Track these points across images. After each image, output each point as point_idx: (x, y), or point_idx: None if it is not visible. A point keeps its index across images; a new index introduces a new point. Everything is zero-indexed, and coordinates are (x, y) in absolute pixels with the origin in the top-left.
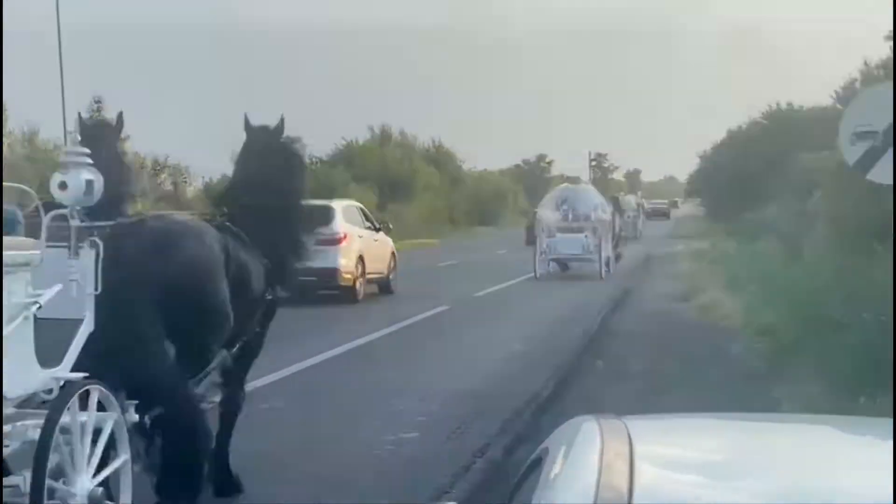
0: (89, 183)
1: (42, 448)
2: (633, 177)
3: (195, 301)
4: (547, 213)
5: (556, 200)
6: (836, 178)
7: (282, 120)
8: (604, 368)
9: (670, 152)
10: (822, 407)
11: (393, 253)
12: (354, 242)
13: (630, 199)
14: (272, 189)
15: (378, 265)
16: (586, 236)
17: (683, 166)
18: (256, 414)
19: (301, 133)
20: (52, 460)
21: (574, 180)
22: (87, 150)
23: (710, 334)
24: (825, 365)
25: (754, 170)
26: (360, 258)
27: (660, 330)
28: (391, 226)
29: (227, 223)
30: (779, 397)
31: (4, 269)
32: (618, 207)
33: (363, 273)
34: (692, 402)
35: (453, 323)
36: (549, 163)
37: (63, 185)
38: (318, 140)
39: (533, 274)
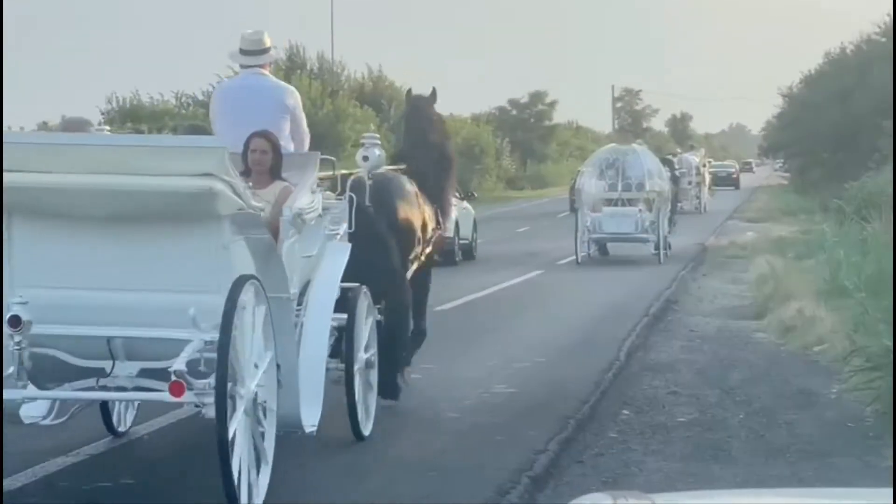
0: (379, 156)
1: (350, 326)
2: (679, 125)
3: (411, 231)
4: (590, 182)
5: (600, 165)
6: None
7: (434, 90)
8: (633, 420)
9: (737, 88)
10: None
11: (475, 220)
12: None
13: (690, 160)
14: (436, 151)
15: (465, 232)
16: (640, 211)
17: (757, 111)
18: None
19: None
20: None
21: (623, 138)
22: (377, 135)
23: (795, 368)
24: None
25: (865, 114)
26: (457, 224)
27: (718, 361)
28: (476, 194)
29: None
30: None
31: (320, 211)
32: (673, 172)
33: (458, 239)
34: (763, 472)
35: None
36: (552, 104)
37: (365, 158)
38: (191, 70)
39: (574, 258)
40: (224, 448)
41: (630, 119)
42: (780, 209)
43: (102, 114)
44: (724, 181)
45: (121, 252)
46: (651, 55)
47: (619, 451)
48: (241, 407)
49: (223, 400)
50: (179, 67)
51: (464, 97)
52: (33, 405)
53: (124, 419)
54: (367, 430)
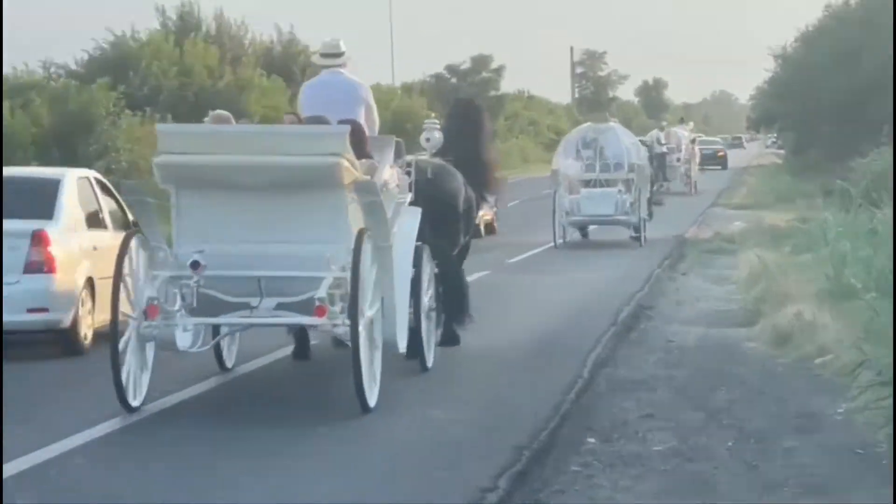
0: (439, 139)
1: (417, 275)
2: (652, 94)
3: (458, 208)
4: (566, 162)
5: (576, 145)
6: None
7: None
8: (599, 450)
9: (721, 50)
10: None
11: None
12: None
13: (680, 134)
14: (475, 144)
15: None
16: (620, 192)
17: (745, 75)
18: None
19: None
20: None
21: (600, 117)
22: (437, 120)
23: (794, 384)
24: None
25: (873, 78)
26: None
27: (702, 377)
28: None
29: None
30: None
31: (397, 182)
32: (652, 152)
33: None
34: None
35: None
36: (498, 70)
37: (427, 140)
38: (61, 35)
39: (552, 243)
40: (357, 356)
41: (593, 87)
42: (773, 193)
43: None
44: (709, 160)
45: (267, 213)
46: (618, 11)
47: (583, 488)
48: (363, 328)
49: (355, 319)
50: (47, 32)
51: (395, 64)
52: (183, 337)
53: (231, 357)
54: (430, 362)
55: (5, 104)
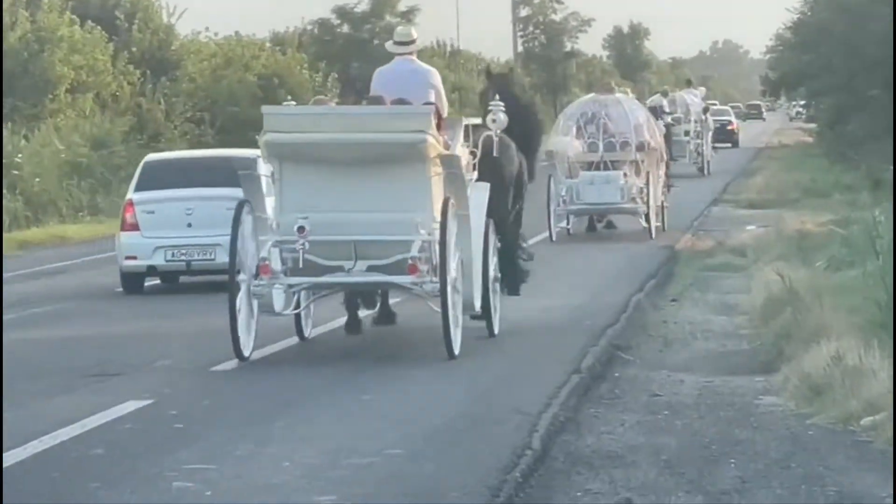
0: (503, 120)
1: (487, 250)
2: (629, 47)
3: (519, 178)
4: (564, 140)
5: (577, 120)
6: None
7: (511, 69)
8: None
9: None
10: None
11: None
12: None
13: (693, 99)
14: (526, 118)
15: None
16: (626, 175)
17: (757, 21)
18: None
19: None
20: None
21: (605, 88)
22: (501, 102)
23: (832, 456)
24: None
25: None
26: None
27: (702, 447)
28: None
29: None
30: None
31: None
32: (663, 118)
33: None
34: None
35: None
36: (408, 13)
37: (493, 120)
38: None
39: (547, 234)
40: (445, 310)
41: (543, 37)
42: (799, 185)
43: None
44: (717, 135)
45: (361, 185)
46: None
47: None
48: (449, 285)
49: (444, 277)
50: None
51: (258, 8)
52: (278, 300)
53: (308, 326)
54: (497, 329)
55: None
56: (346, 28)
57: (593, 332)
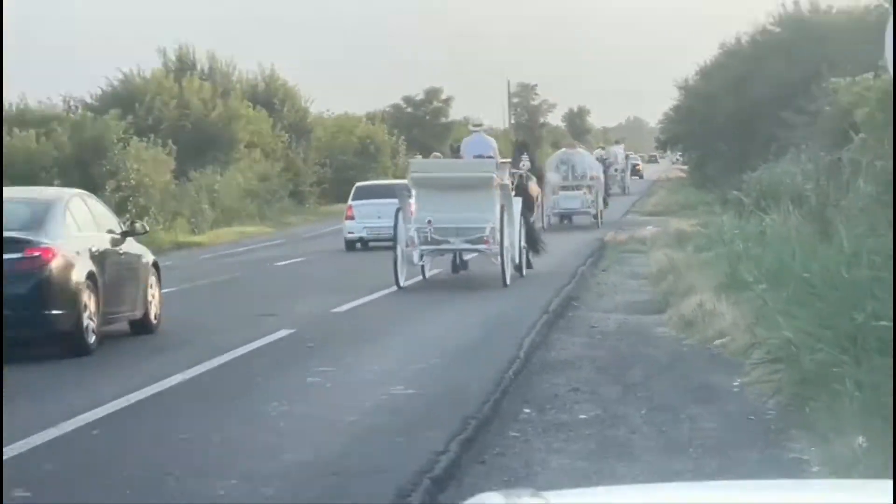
0: (527, 165)
1: (528, 227)
2: (577, 119)
3: (531, 198)
4: (550, 174)
5: (556, 163)
6: (884, 113)
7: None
8: (534, 419)
9: (633, 82)
10: (867, 469)
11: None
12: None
13: (618, 151)
14: (533, 161)
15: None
16: (584, 193)
17: (654, 104)
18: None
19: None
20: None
21: (570, 145)
22: (526, 155)
23: (697, 362)
24: (872, 404)
25: (762, 104)
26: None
27: (620, 357)
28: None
29: None
30: (803, 457)
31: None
32: (605, 163)
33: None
34: (666, 467)
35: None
36: (447, 100)
37: (523, 166)
38: (78, 73)
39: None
40: (503, 262)
41: (526, 114)
42: (678, 202)
43: None
44: (632, 172)
45: (460, 199)
46: (546, 51)
47: (521, 451)
48: (507, 253)
49: (502, 245)
50: (66, 71)
51: (359, 96)
52: (416, 258)
53: (427, 272)
54: (524, 271)
55: (31, 133)
56: (409, 109)
57: (556, 288)
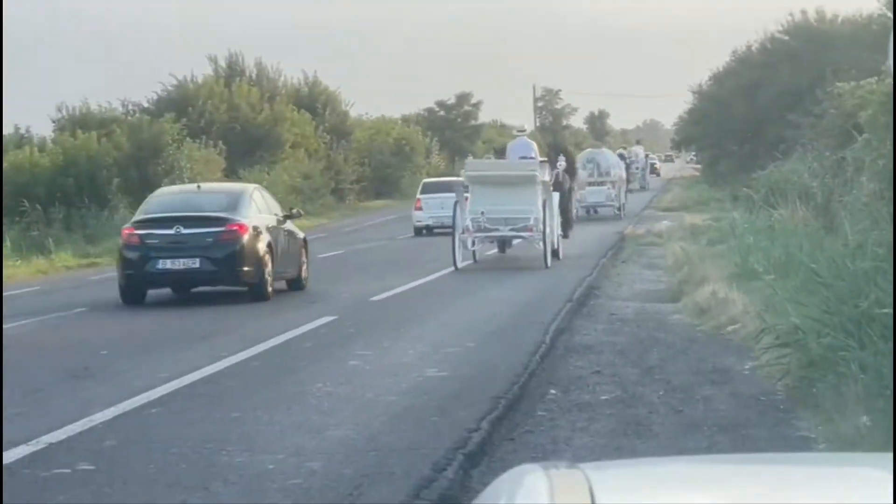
0: (563, 164)
1: (562, 205)
2: (597, 122)
3: (569, 191)
4: (580, 171)
5: (583, 161)
6: (886, 115)
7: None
8: (559, 399)
9: (651, 86)
10: (870, 446)
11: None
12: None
13: (639, 151)
14: (567, 157)
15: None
16: (608, 188)
17: (669, 107)
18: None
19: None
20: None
21: (596, 145)
22: (561, 153)
23: (710, 347)
24: (875, 386)
25: (770, 107)
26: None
27: (638, 342)
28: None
29: None
30: (810, 435)
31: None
32: (627, 162)
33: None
34: (684, 445)
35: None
36: (477, 104)
37: (560, 164)
38: (137, 79)
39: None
40: (545, 247)
41: (551, 117)
42: (692, 199)
43: (53, 122)
44: (650, 170)
45: (508, 194)
46: (569, 58)
47: (547, 429)
48: (547, 237)
49: (544, 232)
50: (125, 76)
51: (395, 99)
52: (470, 243)
53: (477, 256)
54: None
55: (93, 134)
56: (442, 112)
57: (578, 279)
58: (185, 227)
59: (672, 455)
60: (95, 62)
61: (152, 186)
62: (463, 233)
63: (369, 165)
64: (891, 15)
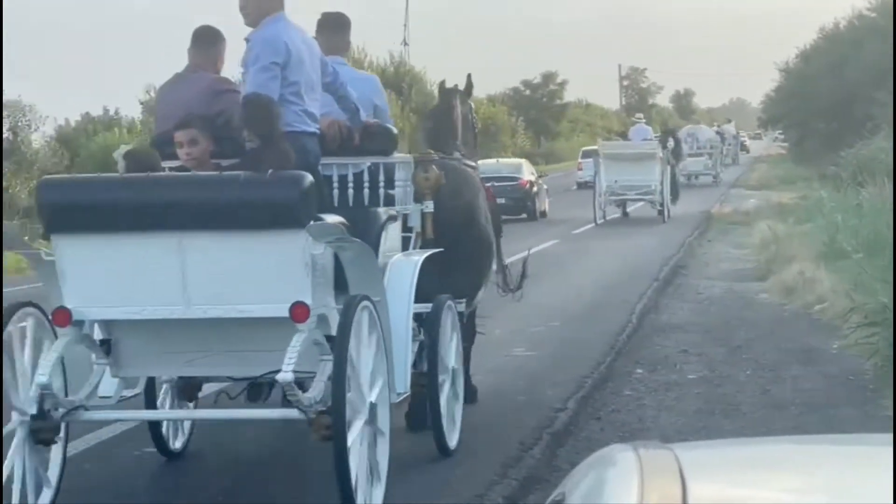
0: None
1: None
2: (683, 101)
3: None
4: (683, 145)
5: (683, 136)
6: None
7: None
8: (646, 378)
9: (737, 64)
10: None
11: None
12: None
13: (731, 129)
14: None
15: None
16: (706, 159)
17: (756, 85)
18: None
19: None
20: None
21: (694, 121)
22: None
23: (798, 326)
24: None
25: (858, 85)
26: None
27: (725, 321)
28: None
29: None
30: None
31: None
32: (721, 137)
33: None
34: (771, 424)
35: None
36: (562, 83)
37: (669, 140)
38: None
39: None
40: (664, 212)
41: (636, 96)
42: (779, 177)
43: (141, 103)
44: (741, 148)
45: (632, 166)
46: (655, 36)
47: (634, 408)
48: (665, 203)
49: (664, 199)
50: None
51: (481, 79)
52: (604, 204)
53: (607, 216)
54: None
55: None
56: (527, 92)
57: (665, 258)
58: None
59: (760, 435)
60: (183, 43)
61: None
62: (600, 196)
63: None
64: None
